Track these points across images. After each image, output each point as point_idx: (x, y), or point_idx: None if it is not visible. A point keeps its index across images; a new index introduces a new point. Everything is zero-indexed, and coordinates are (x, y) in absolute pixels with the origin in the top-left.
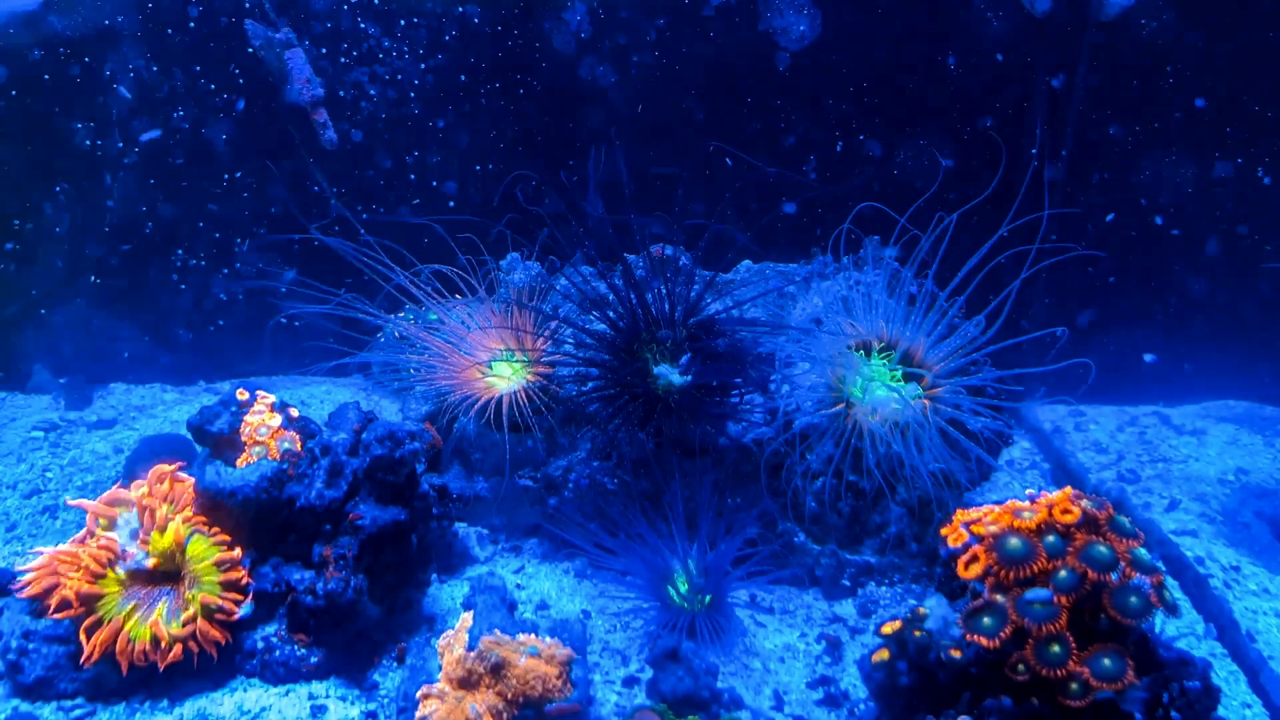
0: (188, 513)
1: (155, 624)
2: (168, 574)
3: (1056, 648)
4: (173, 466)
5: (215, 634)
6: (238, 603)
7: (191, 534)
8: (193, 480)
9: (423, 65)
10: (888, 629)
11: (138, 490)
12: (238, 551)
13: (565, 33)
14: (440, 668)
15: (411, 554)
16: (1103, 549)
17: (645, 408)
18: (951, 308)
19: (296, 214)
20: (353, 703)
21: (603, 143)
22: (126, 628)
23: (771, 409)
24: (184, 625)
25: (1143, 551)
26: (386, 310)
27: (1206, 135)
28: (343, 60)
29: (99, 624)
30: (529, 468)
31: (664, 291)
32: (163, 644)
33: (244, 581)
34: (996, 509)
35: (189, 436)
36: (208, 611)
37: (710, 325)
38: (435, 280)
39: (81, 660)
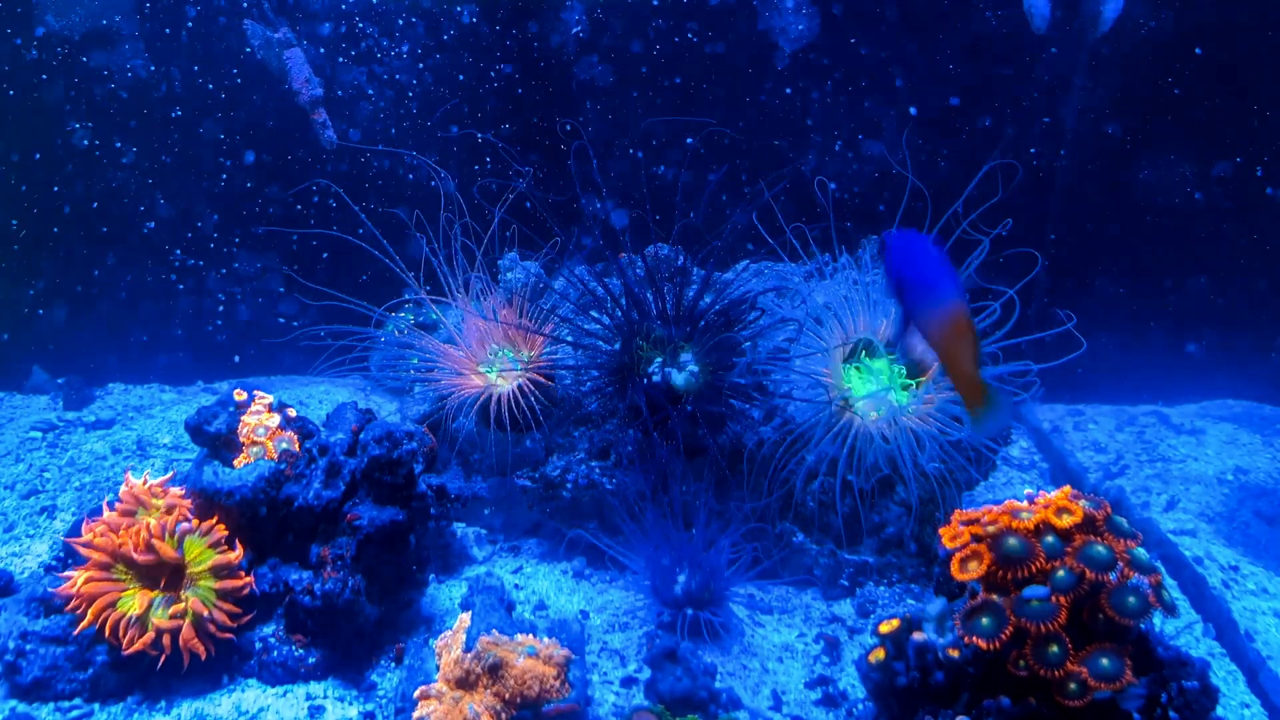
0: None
1: (141, 602)
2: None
3: (1054, 648)
4: (148, 483)
5: (197, 645)
6: (234, 616)
7: (179, 527)
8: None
9: (421, 65)
10: (885, 628)
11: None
12: (237, 553)
13: (564, 31)
14: (438, 668)
15: (409, 554)
16: (1100, 549)
17: (642, 407)
18: None
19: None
20: (350, 703)
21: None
22: (123, 594)
23: (770, 408)
24: (170, 618)
25: (1141, 551)
26: (386, 309)
27: (1205, 134)
28: (340, 60)
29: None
30: (527, 467)
31: (661, 291)
32: (134, 629)
33: (245, 590)
34: (995, 509)
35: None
36: (197, 620)
37: (707, 324)
38: (434, 280)
39: (60, 590)
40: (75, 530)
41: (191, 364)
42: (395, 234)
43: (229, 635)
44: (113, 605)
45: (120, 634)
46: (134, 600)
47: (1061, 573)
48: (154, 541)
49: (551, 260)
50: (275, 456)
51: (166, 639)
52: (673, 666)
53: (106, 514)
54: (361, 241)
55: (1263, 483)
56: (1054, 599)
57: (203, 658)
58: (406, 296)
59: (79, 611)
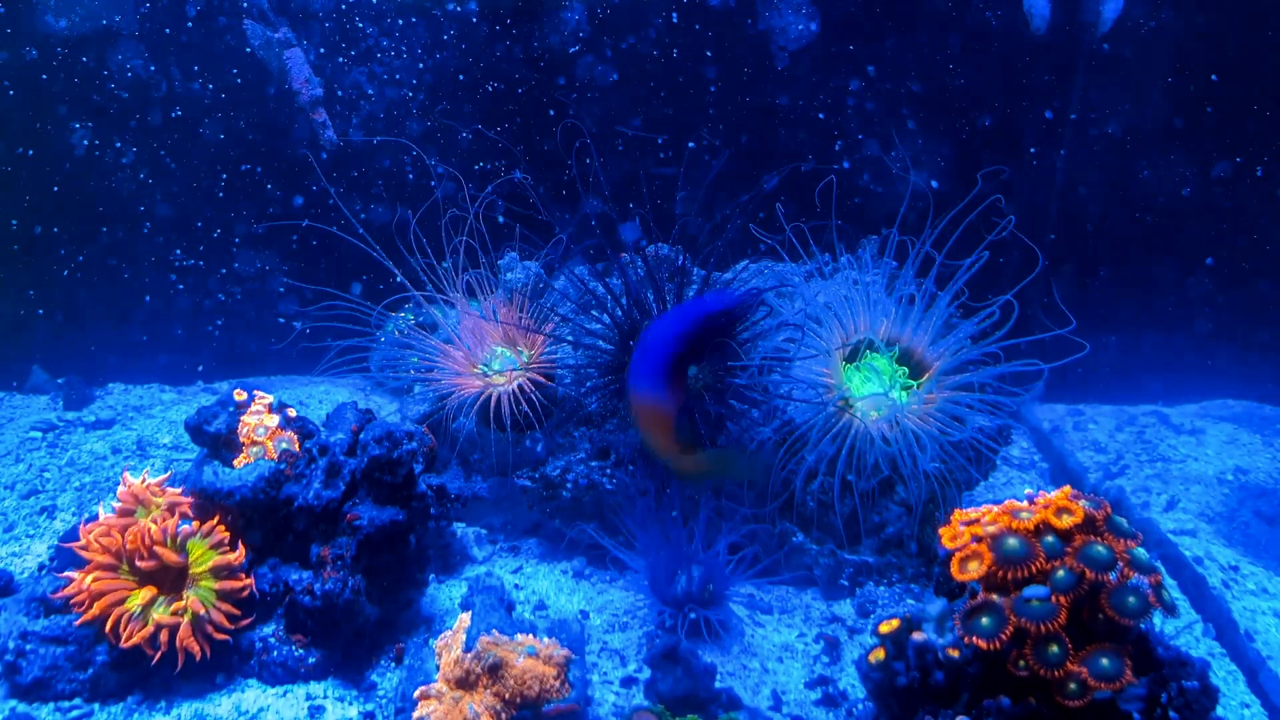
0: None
1: (144, 598)
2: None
3: (1054, 648)
4: (146, 482)
5: (192, 645)
6: (233, 617)
7: (179, 530)
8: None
9: (421, 65)
10: (885, 628)
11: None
12: (238, 554)
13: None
14: (438, 668)
15: (409, 554)
16: (1100, 549)
17: None
18: (950, 306)
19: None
20: (350, 703)
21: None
22: (129, 593)
23: (770, 408)
24: (172, 614)
25: (1141, 551)
26: (385, 309)
27: (1205, 134)
28: (340, 60)
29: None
30: (527, 467)
31: (661, 290)
32: (135, 623)
33: (245, 592)
34: (995, 509)
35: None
36: (195, 619)
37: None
38: (433, 280)
39: (66, 589)
40: (72, 535)
41: (191, 364)
42: (396, 234)
43: (225, 636)
44: (119, 603)
45: (121, 629)
46: (138, 598)
47: (1061, 573)
48: (157, 548)
49: (551, 260)
50: (275, 456)
51: (165, 634)
52: (673, 666)
53: (103, 516)
54: (360, 243)
55: (1263, 483)
56: (1054, 599)
57: (197, 658)
58: (408, 294)
59: (83, 608)
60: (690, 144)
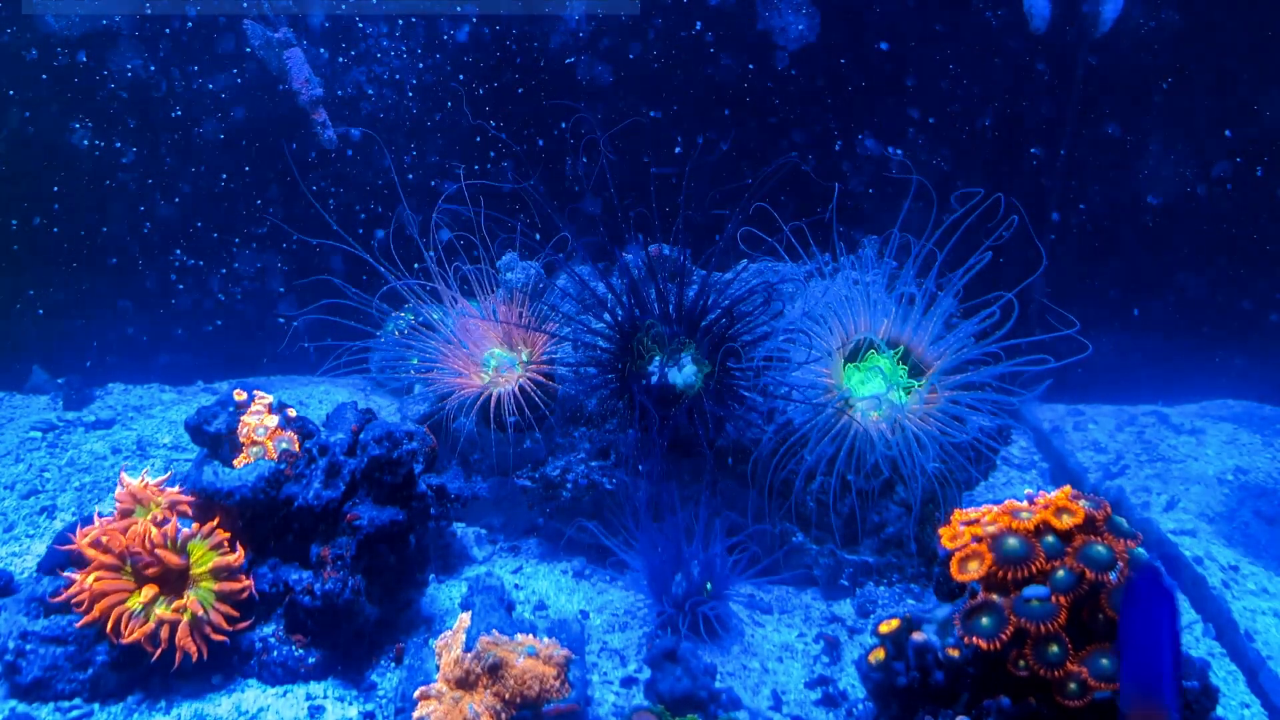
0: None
1: (146, 597)
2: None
3: (1054, 648)
4: (145, 482)
5: (189, 644)
6: (231, 619)
7: (179, 533)
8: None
9: (420, 65)
10: (885, 629)
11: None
12: (237, 555)
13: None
14: (438, 668)
15: (409, 554)
16: (1100, 549)
17: (642, 407)
18: (951, 304)
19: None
20: (350, 703)
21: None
22: (130, 594)
23: (769, 409)
24: (173, 611)
25: (1141, 551)
26: (385, 309)
27: (1205, 134)
28: (340, 60)
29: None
30: (527, 467)
31: (661, 290)
32: (135, 620)
33: (244, 594)
34: (995, 509)
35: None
36: (194, 619)
37: (707, 324)
38: (433, 280)
39: (69, 589)
40: (64, 538)
41: (191, 364)
42: (396, 234)
43: (223, 638)
44: (120, 603)
45: (122, 627)
46: (139, 597)
47: (1061, 573)
48: (158, 551)
49: (551, 260)
50: (275, 456)
51: (165, 630)
52: (673, 666)
53: (99, 520)
54: (359, 248)
55: (1263, 483)
56: (1054, 599)
57: (194, 658)
58: (408, 294)
59: (83, 609)
60: (680, 149)
